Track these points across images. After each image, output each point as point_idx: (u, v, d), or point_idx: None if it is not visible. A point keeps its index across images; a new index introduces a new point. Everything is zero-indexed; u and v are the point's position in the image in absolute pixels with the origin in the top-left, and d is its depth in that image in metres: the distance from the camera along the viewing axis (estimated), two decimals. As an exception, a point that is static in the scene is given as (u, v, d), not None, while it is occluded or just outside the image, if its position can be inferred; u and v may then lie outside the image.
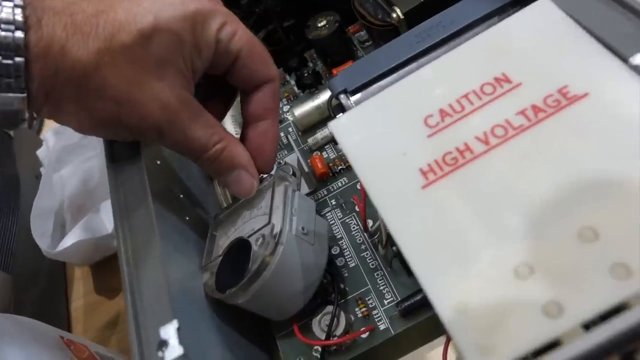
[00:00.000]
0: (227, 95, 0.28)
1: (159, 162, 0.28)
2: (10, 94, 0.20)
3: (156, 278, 0.21)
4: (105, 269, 0.45)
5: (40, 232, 0.41)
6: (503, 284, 0.16)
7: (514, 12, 0.22)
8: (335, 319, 0.25)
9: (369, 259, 0.28)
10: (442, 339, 0.25)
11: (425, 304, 0.24)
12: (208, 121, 0.24)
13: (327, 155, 0.33)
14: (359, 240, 0.29)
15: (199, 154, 0.24)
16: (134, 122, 0.22)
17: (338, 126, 0.22)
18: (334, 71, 0.36)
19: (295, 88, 0.38)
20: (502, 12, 0.23)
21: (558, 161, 0.17)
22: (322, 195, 0.32)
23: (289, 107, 0.37)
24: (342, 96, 0.24)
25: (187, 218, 0.28)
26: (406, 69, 0.24)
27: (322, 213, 0.31)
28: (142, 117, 0.22)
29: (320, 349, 0.25)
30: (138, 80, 0.22)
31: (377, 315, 0.26)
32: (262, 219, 0.25)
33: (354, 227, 0.29)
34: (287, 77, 0.39)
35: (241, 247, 0.25)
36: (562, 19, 0.20)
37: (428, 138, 0.20)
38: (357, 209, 0.30)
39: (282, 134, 0.36)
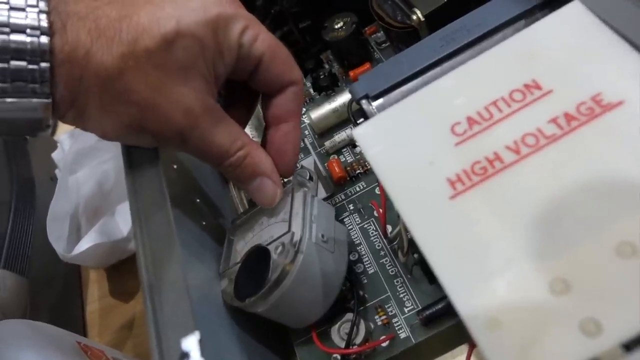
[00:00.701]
0: (250, 100, 0.28)
1: (175, 167, 0.28)
2: (35, 100, 0.20)
3: (177, 285, 0.21)
4: (121, 271, 0.45)
5: (56, 235, 0.41)
6: (538, 300, 0.15)
7: (541, 16, 0.22)
8: (355, 327, 0.25)
9: (389, 266, 0.27)
10: (463, 348, 0.24)
11: (447, 313, 0.24)
12: (231, 127, 0.24)
13: (344, 158, 0.33)
14: (378, 246, 0.28)
15: (221, 160, 0.24)
16: (157, 128, 0.22)
17: (362, 134, 0.21)
18: (351, 73, 0.35)
19: (312, 90, 0.37)
20: (529, 16, 0.23)
21: (593, 172, 0.17)
22: (340, 199, 0.31)
23: (305, 109, 0.37)
24: (363, 102, 0.23)
25: (204, 223, 0.27)
26: (430, 74, 0.23)
27: (340, 218, 0.30)
28: (165, 122, 0.22)
29: (339, 357, 0.25)
30: (161, 85, 0.21)
31: (397, 324, 0.25)
32: (281, 225, 0.25)
33: (372, 233, 0.29)
34: (303, 80, 0.38)
35: (260, 254, 0.25)
36: (594, 23, 0.20)
37: (455, 147, 0.19)
38: (375, 214, 0.29)
39: (298, 137, 0.35)
